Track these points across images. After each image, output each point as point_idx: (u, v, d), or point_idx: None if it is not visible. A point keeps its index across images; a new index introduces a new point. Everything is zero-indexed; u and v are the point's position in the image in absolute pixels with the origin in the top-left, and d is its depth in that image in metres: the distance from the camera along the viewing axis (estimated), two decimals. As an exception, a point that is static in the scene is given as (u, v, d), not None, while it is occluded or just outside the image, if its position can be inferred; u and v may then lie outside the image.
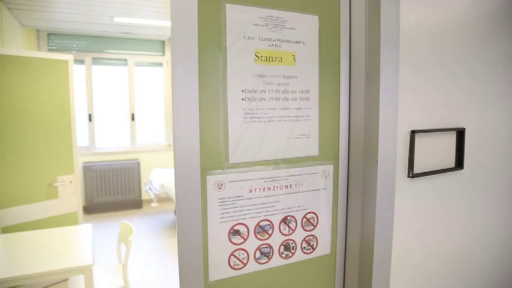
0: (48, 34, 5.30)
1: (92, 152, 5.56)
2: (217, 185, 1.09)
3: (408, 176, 1.35)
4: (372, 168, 1.26)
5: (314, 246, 1.29)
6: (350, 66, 1.31)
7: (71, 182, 3.88)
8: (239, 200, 1.13)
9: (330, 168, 1.29)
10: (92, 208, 5.45)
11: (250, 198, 1.15)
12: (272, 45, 1.15)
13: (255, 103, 1.13)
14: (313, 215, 1.27)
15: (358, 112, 1.29)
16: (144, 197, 5.79)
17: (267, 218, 1.19)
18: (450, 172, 1.48)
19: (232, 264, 1.14)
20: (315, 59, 1.23)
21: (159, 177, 4.94)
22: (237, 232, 1.14)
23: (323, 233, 1.30)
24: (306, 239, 1.27)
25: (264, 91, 1.14)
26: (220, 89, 1.08)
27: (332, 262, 1.34)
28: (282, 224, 1.22)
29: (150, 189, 5.11)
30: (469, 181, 1.55)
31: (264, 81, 1.14)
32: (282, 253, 1.23)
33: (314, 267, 1.31)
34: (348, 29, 1.30)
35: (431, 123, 1.41)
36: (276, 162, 1.19)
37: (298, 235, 1.25)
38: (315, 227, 1.28)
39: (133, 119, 5.83)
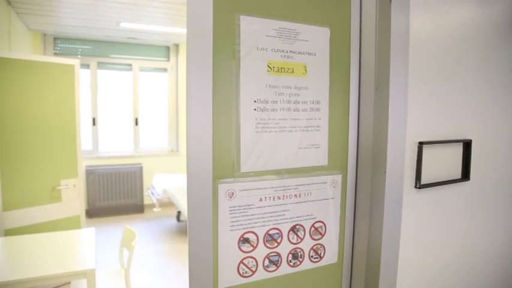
0: (55, 38, 5.35)
1: (95, 156, 5.58)
2: (229, 193, 1.11)
3: (415, 187, 1.36)
4: (380, 178, 1.27)
5: (321, 255, 1.30)
6: (360, 78, 1.32)
7: (74, 185, 3.89)
8: (249, 208, 1.15)
9: (338, 178, 1.31)
10: (93, 212, 5.46)
11: (260, 207, 1.16)
12: (284, 56, 1.17)
13: (266, 113, 1.15)
14: (321, 224, 1.29)
15: (367, 123, 1.31)
16: (146, 201, 5.80)
17: (276, 226, 1.20)
18: (456, 183, 1.50)
19: (241, 272, 1.16)
20: (326, 70, 1.25)
21: (161, 182, 4.95)
22: (246, 240, 1.15)
23: (330, 242, 1.31)
24: (314, 247, 1.28)
25: (276, 102, 1.16)
26: (233, 99, 1.10)
27: (339, 271, 1.35)
28: (291, 232, 1.23)
29: (152, 194, 5.12)
30: (475, 192, 1.57)
31: (275, 92, 1.16)
32: (290, 261, 1.24)
33: (321, 275, 1.32)
34: (358, 41, 1.32)
35: (438, 134, 1.43)
36: (286, 172, 1.20)
37: (306, 244, 1.26)
38: (322, 236, 1.29)
39: (136, 123, 5.86)
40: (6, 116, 3.24)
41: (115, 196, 5.56)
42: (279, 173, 1.19)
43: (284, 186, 1.20)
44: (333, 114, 1.27)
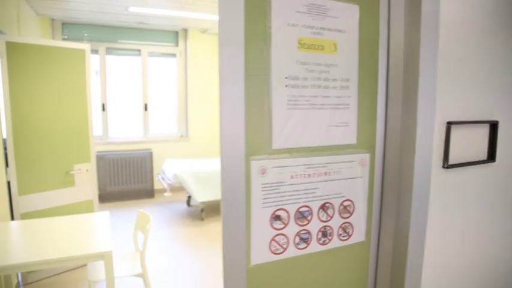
0: (63, 23, 5.32)
1: (105, 142, 5.60)
2: (261, 170, 1.11)
3: (443, 167, 1.36)
4: (408, 158, 1.27)
5: (350, 234, 1.31)
6: (388, 57, 1.31)
7: (87, 170, 3.91)
8: (281, 185, 1.15)
9: (366, 157, 1.30)
10: (104, 197, 5.50)
11: (292, 184, 1.17)
12: (314, 33, 1.16)
13: (297, 90, 1.14)
14: (349, 203, 1.29)
15: (395, 102, 1.30)
16: (156, 186, 5.83)
17: (307, 204, 1.20)
18: (482, 164, 1.49)
19: (272, 249, 1.16)
20: (355, 48, 1.24)
21: (172, 168, 4.97)
22: (278, 217, 1.16)
23: (359, 220, 1.32)
24: (343, 226, 1.29)
25: (306, 78, 1.15)
26: (265, 76, 1.09)
27: (366, 249, 1.36)
28: (321, 210, 1.23)
29: (163, 179, 5.14)
30: (501, 174, 1.56)
31: (306, 69, 1.15)
32: (320, 239, 1.25)
33: (349, 254, 1.32)
34: (387, 18, 1.30)
35: (466, 115, 1.42)
36: (316, 150, 1.20)
37: (336, 222, 1.27)
38: (351, 214, 1.30)
39: (146, 109, 5.86)
40: (19, 101, 3.25)
41: (125, 181, 5.59)
42: (309, 150, 1.19)
43: (314, 164, 1.20)
44: (361, 93, 1.26)
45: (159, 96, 6.01)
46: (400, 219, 1.31)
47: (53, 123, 3.54)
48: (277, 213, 1.15)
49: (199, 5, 4.45)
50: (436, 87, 1.27)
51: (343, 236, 1.29)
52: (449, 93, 1.35)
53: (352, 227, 1.31)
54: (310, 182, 1.20)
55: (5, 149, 3.20)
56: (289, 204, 1.17)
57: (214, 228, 4.63)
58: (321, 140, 1.20)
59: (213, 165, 5.11)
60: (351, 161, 1.27)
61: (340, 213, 1.27)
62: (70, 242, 2.56)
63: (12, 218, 3.30)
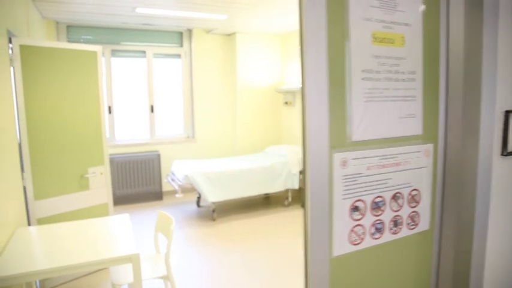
0: (67, 26, 5.27)
1: (112, 145, 5.56)
2: (342, 162, 1.13)
3: (502, 155, 1.40)
4: (471, 147, 1.30)
5: (417, 222, 1.34)
6: (448, 48, 1.34)
7: (101, 173, 3.88)
8: (359, 177, 1.17)
9: (430, 147, 1.34)
10: (114, 200, 5.45)
11: (368, 175, 1.19)
12: (386, 27, 1.18)
13: (372, 83, 1.16)
14: (416, 192, 1.32)
15: (456, 93, 1.33)
16: (165, 188, 5.81)
17: (381, 194, 1.23)
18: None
19: (352, 239, 1.19)
20: (420, 40, 1.27)
21: (182, 168, 4.96)
22: (356, 208, 1.18)
23: (424, 209, 1.35)
24: (411, 215, 1.32)
25: (379, 72, 1.18)
26: (344, 69, 1.11)
27: (430, 238, 1.39)
28: (392, 200, 1.26)
29: (173, 180, 5.13)
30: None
31: (379, 62, 1.18)
32: (391, 229, 1.28)
33: (415, 242, 1.35)
34: (446, 10, 1.33)
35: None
36: (389, 141, 1.23)
37: (405, 211, 1.30)
38: (418, 203, 1.33)
39: (152, 110, 5.83)
40: (33, 105, 3.21)
41: (134, 184, 5.56)
42: (383, 142, 1.21)
43: (387, 155, 1.23)
44: (426, 84, 1.30)
45: (165, 98, 5.98)
46: (463, 207, 1.34)
47: (66, 126, 3.51)
48: (356, 204, 1.18)
49: (204, 5, 4.45)
50: (496, 75, 1.30)
51: (411, 225, 1.33)
52: (507, 81, 1.38)
53: (419, 216, 1.34)
54: (384, 173, 1.23)
55: (20, 153, 3.16)
56: (366, 195, 1.19)
57: (226, 229, 4.63)
58: (392, 131, 1.23)
59: (223, 165, 5.11)
60: (417, 152, 1.30)
61: (408, 203, 1.30)
62: (94, 246, 2.52)
63: (29, 224, 3.26)
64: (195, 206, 5.54)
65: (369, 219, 1.21)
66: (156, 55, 5.80)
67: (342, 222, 1.16)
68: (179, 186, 4.87)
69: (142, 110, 5.85)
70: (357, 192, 1.18)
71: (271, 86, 6.30)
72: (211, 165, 5.10)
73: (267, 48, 6.19)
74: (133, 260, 2.48)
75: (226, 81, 6.17)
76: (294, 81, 6.01)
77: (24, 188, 3.24)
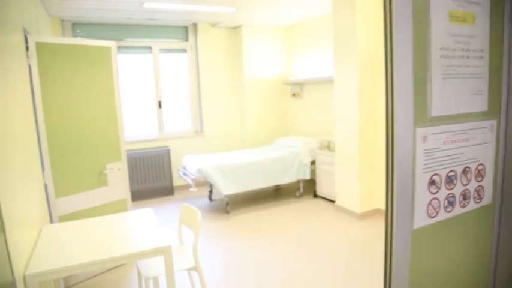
0: (72, 24, 5.22)
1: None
2: (423, 137, 1.17)
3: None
4: (532, 121, 1.35)
5: (482, 196, 1.39)
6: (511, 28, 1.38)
7: (118, 169, 3.88)
8: (436, 151, 1.21)
9: (494, 123, 1.38)
10: (124, 197, 5.45)
11: (443, 150, 1.23)
12: (459, 6, 1.22)
13: (448, 61, 1.20)
14: (482, 167, 1.37)
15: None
16: (176, 183, 5.81)
17: (453, 168, 1.27)
18: None
19: (429, 212, 1.23)
20: (487, 19, 1.31)
21: (194, 162, 4.96)
22: (433, 182, 1.22)
23: (488, 183, 1.40)
24: (477, 189, 1.36)
25: (454, 49, 1.22)
26: (425, 48, 1.15)
27: (492, 211, 1.44)
28: (462, 174, 1.31)
29: (185, 174, 5.13)
30: None
31: (454, 40, 1.22)
32: (461, 202, 1.32)
33: (479, 216, 1.40)
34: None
35: None
36: (460, 117, 1.27)
37: (472, 185, 1.35)
38: (483, 178, 1.38)
39: (160, 106, 5.82)
40: (50, 103, 3.20)
41: (145, 180, 5.55)
42: (456, 117, 1.26)
43: (459, 131, 1.27)
44: (491, 62, 1.34)
45: (172, 93, 5.97)
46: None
47: (83, 123, 3.50)
48: (433, 178, 1.22)
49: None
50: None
51: (477, 199, 1.37)
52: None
53: (483, 190, 1.39)
54: (456, 148, 1.27)
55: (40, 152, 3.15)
56: (441, 169, 1.24)
57: (241, 221, 4.66)
58: (464, 107, 1.27)
59: (235, 158, 5.14)
60: (484, 127, 1.34)
61: (475, 177, 1.35)
62: (122, 240, 2.53)
63: (51, 221, 3.25)
64: (207, 200, 5.55)
65: (443, 193, 1.26)
66: (162, 50, 5.78)
67: (422, 195, 1.20)
68: (192, 180, 4.87)
69: (150, 106, 5.83)
70: (434, 166, 1.22)
71: (278, 78, 6.34)
72: (223, 159, 5.11)
73: (272, 40, 6.21)
74: (165, 252, 2.48)
75: (232, 75, 6.18)
76: (301, 73, 6.05)
77: (45, 186, 3.22)
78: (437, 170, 1.22)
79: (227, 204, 4.95)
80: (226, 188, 4.81)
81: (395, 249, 1.16)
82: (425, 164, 1.19)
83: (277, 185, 5.58)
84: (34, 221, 2.50)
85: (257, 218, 4.74)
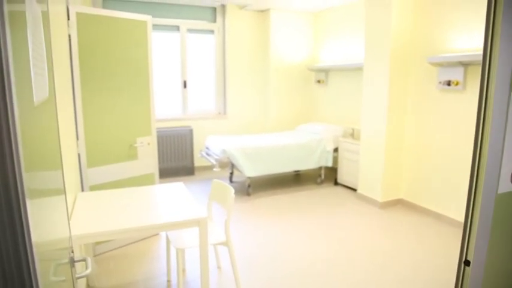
0: (103, -2, 5.23)
1: (145, 119, 5.56)
2: None
3: None
4: None
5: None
6: None
7: (148, 143, 3.90)
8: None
9: None
10: (144, 175, 5.48)
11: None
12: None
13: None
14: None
15: None
16: (197, 163, 5.84)
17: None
18: None
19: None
20: None
21: (218, 143, 4.98)
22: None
23: None
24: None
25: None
26: None
27: None
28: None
29: (208, 154, 5.15)
30: None
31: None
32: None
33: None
34: None
35: None
36: None
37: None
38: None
39: (185, 86, 5.82)
40: (88, 75, 3.22)
41: (166, 159, 5.58)
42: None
43: None
44: None
45: (197, 74, 5.97)
46: None
47: (117, 95, 3.52)
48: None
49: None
50: None
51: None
52: None
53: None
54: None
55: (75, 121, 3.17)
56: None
57: (262, 204, 4.68)
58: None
59: (259, 141, 5.14)
60: None
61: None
62: (157, 210, 2.57)
63: (82, 190, 3.29)
64: (227, 181, 5.58)
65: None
66: (190, 30, 5.77)
67: (508, 160, 1.19)
68: (216, 160, 4.89)
69: (175, 86, 5.84)
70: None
71: (303, 64, 6.31)
72: (247, 141, 5.12)
73: (300, 25, 6.18)
74: (201, 223, 2.50)
75: (258, 58, 6.16)
76: (326, 60, 6.01)
77: (79, 155, 3.26)
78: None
79: (249, 186, 4.97)
80: (250, 170, 4.82)
81: (480, 211, 1.16)
82: (513, 129, 1.18)
83: (297, 171, 5.58)
84: (70, 188, 2.53)
85: (278, 201, 4.76)
